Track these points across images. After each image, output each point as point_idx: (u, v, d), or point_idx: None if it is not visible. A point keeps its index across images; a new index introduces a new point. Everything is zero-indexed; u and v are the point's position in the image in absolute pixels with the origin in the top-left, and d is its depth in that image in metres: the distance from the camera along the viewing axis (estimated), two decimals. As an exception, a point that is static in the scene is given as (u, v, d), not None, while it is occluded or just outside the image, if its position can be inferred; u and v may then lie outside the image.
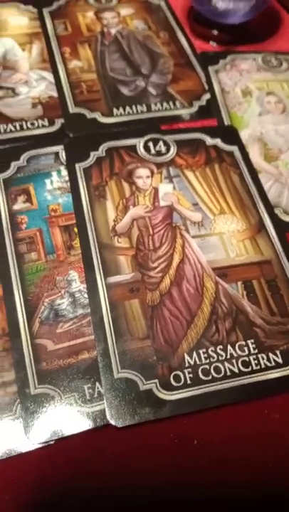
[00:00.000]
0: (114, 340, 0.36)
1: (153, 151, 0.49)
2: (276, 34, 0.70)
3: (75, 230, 0.42)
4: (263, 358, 0.37)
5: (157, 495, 0.32)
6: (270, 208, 0.46)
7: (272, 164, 0.51)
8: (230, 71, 0.61)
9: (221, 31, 0.65)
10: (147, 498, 0.32)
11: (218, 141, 0.51)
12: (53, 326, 0.37)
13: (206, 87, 0.58)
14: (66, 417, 0.34)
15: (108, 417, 0.34)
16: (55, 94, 0.54)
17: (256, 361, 0.37)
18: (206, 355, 0.37)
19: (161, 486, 0.33)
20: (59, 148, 0.48)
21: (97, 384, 0.35)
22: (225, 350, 0.37)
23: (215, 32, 0.65)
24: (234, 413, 0.35)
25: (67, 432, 0.33)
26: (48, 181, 0.45)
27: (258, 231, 0.44)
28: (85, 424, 0.33)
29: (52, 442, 0.33)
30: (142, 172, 0.47)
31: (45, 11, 0.64)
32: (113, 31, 0.63)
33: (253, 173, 0.49)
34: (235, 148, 0.51)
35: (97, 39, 0.62)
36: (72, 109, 0.53)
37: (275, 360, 0.37)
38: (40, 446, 0.33)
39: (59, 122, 0.51)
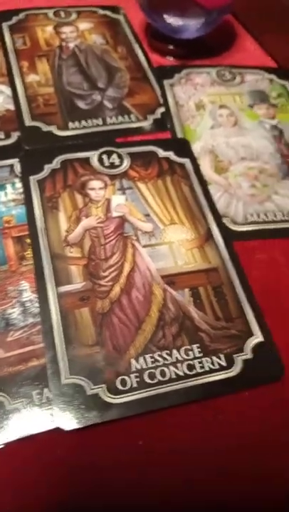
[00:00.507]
0: (63, 348, 0.38)
1: (107, 164, 0.51)
2: (231, 48, 0.73)
3: (28, 240, 0.44)
4: (207, 362, 0.39)
5: (104, 493, 0.34)
6: (218, 217, 0.49)
7: (222, 176, 0.53)
8: (185, 85, 0.63)
9: (176, 46, 0.67)
10: (96, 500, 0.33)
11: (170, 154, 0.53)
12: (3, 334, 0.38)
13: (161, 100, 0.60)
14: (15, 422, 0.35)
15: (56, 420, 0.35)
16: (12, 107, 0.55)
17: (201, 364, 0.39)
18: (152, 359, 0.38)
19: (107, 484, 0.34)
20: (14, 161, 0.49)
21: (45, 390, 0.36)
22: (170, 354, 0.39)
23: (171, 47, 0.67)
24: (179, 414, 0.37)
25: (16, 435, 0.34)
26: (2, 193, 0.46)
27: (206, 240, 0.46)
28: (34, 428, 0.35)
29: (1, 446, 0.34)
30: (95, 184, 0.49)
31: (5, 25, 0.65)
32: (71, 45, 0.65)
33: (203, 184, 0.51)
34: (186, 161, 0.53)
35: (55, 53, 0.63)
36: (28, 122, 0.54)
37: (219, 363, 0.39)
38: (-11, 451, 0.34)
39: (15, 135, 0.52)
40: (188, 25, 0.61)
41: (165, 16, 0.60)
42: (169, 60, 0.67)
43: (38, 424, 0.35)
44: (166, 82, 0.63)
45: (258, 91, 0.65)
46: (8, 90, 0.57)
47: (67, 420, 0.35)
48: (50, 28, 0.67)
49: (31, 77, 0.59)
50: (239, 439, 0.37)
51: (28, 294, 0.40)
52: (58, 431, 0.35)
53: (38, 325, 0.39)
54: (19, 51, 0.62)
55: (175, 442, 0.36)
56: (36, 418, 0.35)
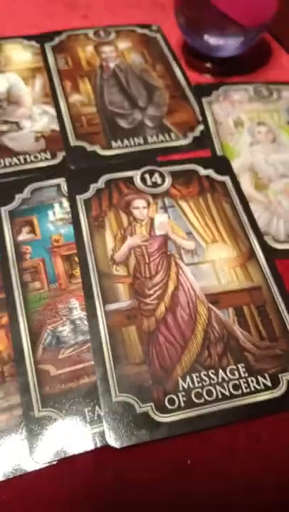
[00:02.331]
0: (112, 366, 0.39)
1: (149, 183, 0.52)
2: (267, 64, 0.73)
3: (76, 259, 0.45)
4: (252, 381, 0.40)
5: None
6: (260, 235, 0.49)
7: (262, 193, 0.54)
8: (223, 102, 0.64)
9: (214, 64, 0.68)
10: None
11: (210, 172, 0.54)
12: (55, 352, 0.40)
13: (200, 118, 0.61)
14: (68, 439, 0.36)
15: (107, 438, 0.36)
16: (56, 127, 0.57)
17: (246, 384, 0.39)
18: (198, 378, 0.39)
19: (158, 504, 0.35)
20: (61, 181, 0.51)
21: (97, 407, 0.37)
22: (216, 374, 0.40)
23: (208, 64, 0.68)
24: (226, 434, 0.38)
25: (69, 452, 0.36)
26: (50, 212, 0.48)
27: (249, 258, 0.47)
28: (85, 445, 0.36)
29: (55, 462, 0.35)
30: (139, 203, 0.50)
31: (47, 46, 0.68)
32: (112, 65, 0.66)
33: (244, 202, 0.52)
34: (227, 178, 0.54)
35: (96, 73, 0.65)
36: (73, 142, 0.56)
37: (264, 383, 0.40)
38: (44, 465, 0.35)
39: (61, 155, 0.54)
40: (227, 44, 0.62)
41: (204, 36, 0.61)
42: (207, 78, 0.68)
43: (89, 441, 0.36)
44: (204, 100, 0.64)
45: (296, 107, 0.65)
46: (52, 111, 0.59)
47: (118, 438, 0.36)
48: (90, 48, 0.68)
49: (74, 97, 0.61)
50: (283, 462, 0.37)
51: (78, 312, 0.42)
52: (108, 448, 0.36)
53: (88, 343, 0.40)
54: (62, 71, 0.64)
55: (221, 462, 0.37)
56: (87, 435, 0.36)
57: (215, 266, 0.46)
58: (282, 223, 0.52)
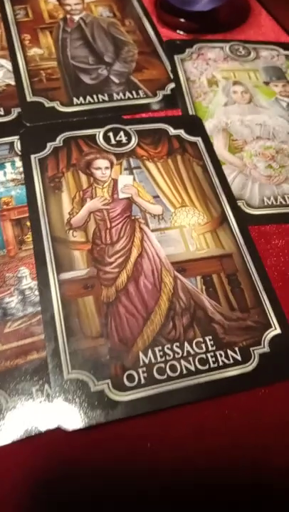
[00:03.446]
0: (65, 340, 0.35)
1: (113, 142, 0.47)
2: (245, 23, 0.69)
3: (28, 223, 0.40)
4: (221, 356, 0.36)
5: (106, 497, 0.31)
6: (233, 200, 0.45)
7: (237, 155, 0.50)
8: (197, 60, 0.59)
9: (188, 19, 0.63)
10: (98, 504, 0.31)
11: (181, 132, 0.50)
12: (0, 325, 0.35)
13: (171, 76, 0.56)
14: (13, 422, 0.32)
15: (58, 420, 0.32)
16: (12, 82, 0.52)
17: (214, 358, 0.36)
18: (161, 353, 0.35)
19: (111, 488, 0.31)
20: (14, 139, 0.46)
21: (46, 386, 0.33)
22: (182, 347, 0.36)
23: (182, 20, 0.63)
24: (191, 413, 0.34)
25: (13, 437, 0.31)
26: (0, 173, 0.43)
27: (220, 224, 0.43)
28: (33, 429, 0.32)
29: (-2, 447, 0.31)
30: (101, 163, 0.45)
31: (5, -4, 0.62)
32: (76, 18, 0.61)
33: (217, 164, 0.48)
34: (198, 139, 0.49)
35: (59, 26, 0.59)
36: (29, 97, 0.51)
37: (233, 357, 0.36)
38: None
39: (16, 111, 0.49)
40: (202, -5, 0.57)
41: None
42: (180, 35, 0.63)
43: (37, 423, 0.32)
44: (176, 57, 0.59)
45: (274, 67, 0.61)
46: (8, 64, 0.54)
47: (70, 419, 0.32)
48: (53, 0, 0.62)
49: (33, 51, 0.56)
50: (254, 440, 0.34)
51: (28, 281, 0.37)
52: (59, 431, 0.32)
53: (39, 315, 0.36)
54: (21, 23, 0.59)
55: (185, 444, 0.33)
56: (36, 417, 0.32)
57: (183, 232, 0.42)
58: (257, 187, 0.48)
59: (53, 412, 0.32)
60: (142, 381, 0.34)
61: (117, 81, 0.54)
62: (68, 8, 0.62)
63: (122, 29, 0.61)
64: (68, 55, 0.56)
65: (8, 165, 0.44)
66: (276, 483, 0.32)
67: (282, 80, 0.59)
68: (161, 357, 0.35)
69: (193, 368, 0.35)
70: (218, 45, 0.62)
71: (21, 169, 0.44)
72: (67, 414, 0.32)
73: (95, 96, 0.52)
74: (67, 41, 0.58)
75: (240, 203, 0.46)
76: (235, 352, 0.36)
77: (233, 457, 0.33)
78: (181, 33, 0.63)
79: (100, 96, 0.52)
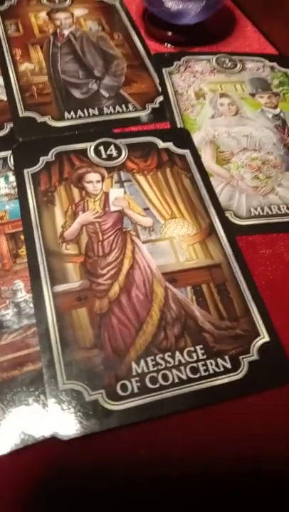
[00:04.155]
0: (60, 351, 0.36)
1: (104, 155, 0.48)
2: (232, 35, 0.70)
3: (22, 237, 0.41)
4: (211, 364, 0.37)
5: (102, 504, 0.32)
6: (220, 211, 0.47)
7: (224, 167, 0.51)
8: (184, 73, 0.61)
9: (175, 32, 0.64)
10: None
11: (170, 145, 0.51)
12: (-4, 337, 0.36)
13: (160, 89, 0.57)
14: (11, 432, 0.33)
15: (54, 429, 0.33)
16: (4, 97, 0.53)
17: (205, 367, 0.37)
18: (153, 362, 0.36)
19: (109, 496, 0.32)
20: (7, 154, 0.47)
21: (42, 396, 0.34)
22: (173, 356, 0.37)
23: (169, 33, 0.65)
24: (182, 421, 0.35)
25: (11, 447, 0.32)
26: (-6, 188, 0.44)
27: (208, 235, 0.44)
28: (29, 439, 0.33)
29: (-4, 458, 0.32)
30: (92, 177, 0.47)
31: (-4, 11, 0.63)
32: (66, 32, 0.62)
33: (205, 176, 0.49)
34: (187, 152, 0.51)
35: (49, 40, 0.61)
36: (22, 112, 0.52)
37: (223, 366, 0.37)
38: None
39: (8, 127, 0.50)
40: (188, 10, 0.59)
41: (163, 0, 0.58)
42: (168, 48, 0.65)
43: (34, 433, 0.33)
44: (164, 70, 0.60)
45: (260, 79, 0.63)
46: (0, 80, 0.54)
47: (65, 428, 0.33)
48: (43, 14, 0.64)
49: (25, 66, 0.57)
50: (244, 448, 0.35)
51: (23, 294, 0.38)
52: (55, 440, 0.33)
53: (34, 327, 0.37)
54: (11, 38, 0.60)
55: (177, 451, 0.34)
56: (32, 427, 0.33)
57: (173, 243, 0.44)
58: (244, 198, 0.49)
59: (48, 422, 0.33)
60: (135, 390, 0.35)
61: (106, 95, 0.55)
62: (58, 22, 0.63)
63: (111, 43, 0.62)
64: (59, 69, 0.57)
65: (1, 180, 0.45)
66: (265, 491, 0.34)
67: (268, 92, 0.61)
68: (153, 366, 0.36)
69: (184, 377, 0.36)
70: (205, 58, 0.64)
71: (15, 184, 0.45)
72: (62, 424, 0.33)
73: (85, 110, 0.53)
74: (58, 56, 0.59)
75: (227, 214, 0.47)
76: (225, 360, 0.37)
77: (223, 464, 0.34)
78: (169, 46, 0.65)
79: (90, 110, 0.53)
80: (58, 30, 0.62)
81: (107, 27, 0.64)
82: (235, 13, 0.73)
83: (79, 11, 0.66)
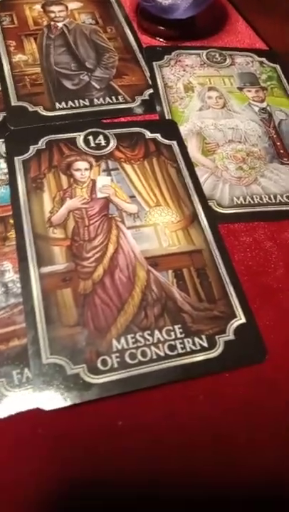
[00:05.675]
0: (44, 328, 0.38)
1: (92, 144, 0.50)
2: (222, 30, 0.72)
3: (11, 221, 0.43)
4: (188, 342, 0.39)
5: (82, 473, 0.34)
6: (204, 200, 0.48)
7: (209, 158, 0.53)
8: (174, 66, 0.62)
9: (167, 27, 0.66)
10: (74, 480, 0.34)
11: (158, 136, 0.53)
12: (-16, 314, 0.38)
13: (150, 82, 0.59)
14: (-5, 402, 0.35)
15: (36, 401, 0.35)
16: (-2, 87, 0.55)
17: (182, 345, 0.39)
18: (133, 340, 0.38)
19: (86, 464, 0.34)
20: (-1, 142, 0.49)
21: (26, 369, 0.36)
22: (152, 334, 0.39)
23: (161, 27, 0.66)
24: (160, 395, 0.37)
25: (-3, 415, 0.34)
26: (-14, 174, 0.46)
27: (191, 222, 0.46)
28: (13, 408, 0.35)
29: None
30: (81, 165, 0.48)
31: (-9, 3, 0.64)
32: (60, 25, 0.64)
33: (190, 166, 0.51)
34: (174, 143, 0.53)
35: (43, 33, 0.62)
36: (14, 102, 0.53)
37: (200, 344, 0.39)
38: None
39: (1, 115, 0.52)
40: (178, 5, 0.60)
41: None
42: (159, 41, 0.66)
43: (17, 404, 0.35)
44: (155, 64, 0.62)
45: (248, 73, 0.64)
46: (-6, 70, 0.56)
47: (47, 400, 0.35)
48: (38, 7, 0.65)
49: (18, 57, 0.58)
50: (218, 418, 0.37)
51: (11, 275, 0.40)
52: (37, 411, 0.35)
53: (20, 305, 0.39)
54: (6, 30, 0.61)
55: (155, 422, 0.36)
56: (16, 398, 0.35)
57: (157, 229, 0.46)
58: (228, 188, 0.51)
59: (32, 394, 0.35)
60: (115, 365, 0.37)
61: (98, 86, 0.57)
62: (52, 15, 0.65)
63: (103, 36, 0.64)
64: (52, 61, 0.59)
65: (-7, 166, 0.47)
66: (238, 458, 0.36)
67: (256, 86, 0.63)
68: (133, 343, 0.38)
69: (162, 354, 0.38)
70: (196, 52, 0.66)
71: (6, 170, 0.46)
72: (45, 396, 0.35)
73: (76, 101, 0.55)
74: (51, 48, 0.61)
75: (211, 203, 0.49)
76: (201, 339, 0.39)
77: (198, 433, 0.36)
78: (161, 40, 0.66)
79: (81, 101, 0.55)
80: (52, 23, 0.64)
81: (101, 20, 0.66)
82: (227, 8, 0.74)
83: (73, 4, 0.67)
